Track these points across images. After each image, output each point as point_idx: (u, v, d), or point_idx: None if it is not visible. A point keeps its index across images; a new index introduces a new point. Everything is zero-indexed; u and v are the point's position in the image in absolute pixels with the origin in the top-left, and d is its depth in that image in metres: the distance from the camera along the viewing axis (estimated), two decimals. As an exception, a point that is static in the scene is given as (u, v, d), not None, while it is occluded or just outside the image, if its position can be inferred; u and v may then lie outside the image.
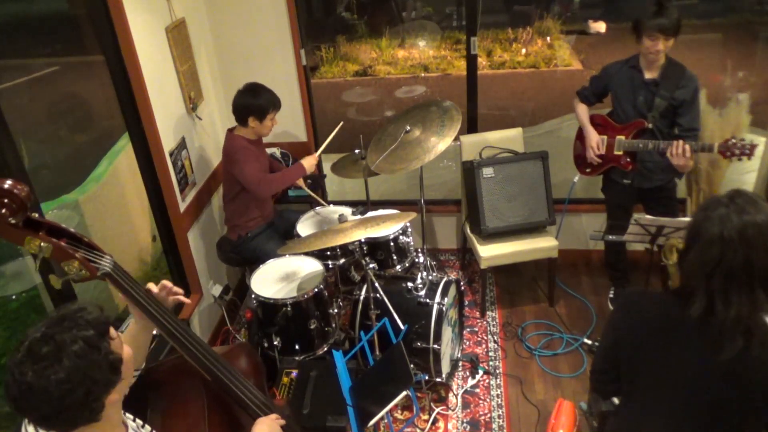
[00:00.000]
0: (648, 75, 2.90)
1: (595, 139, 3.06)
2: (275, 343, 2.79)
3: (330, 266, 3.16)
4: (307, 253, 3.07)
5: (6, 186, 1.38)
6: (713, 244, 1.41)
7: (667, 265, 2.64)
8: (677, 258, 1.60)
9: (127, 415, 1.47)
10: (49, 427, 1.21)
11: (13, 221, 1.41)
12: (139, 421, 1.51)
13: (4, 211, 1.39)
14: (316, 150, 3.27)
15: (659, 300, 1.63)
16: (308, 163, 3.23)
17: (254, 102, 3.04)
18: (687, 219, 2.69)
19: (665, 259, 2.61)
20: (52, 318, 1.22)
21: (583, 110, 3.18)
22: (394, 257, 3.25)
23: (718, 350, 1.42)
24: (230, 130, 3.19)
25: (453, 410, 2.96)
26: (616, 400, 2.03)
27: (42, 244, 1.45)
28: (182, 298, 1.75)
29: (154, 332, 1.76)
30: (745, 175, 3.57)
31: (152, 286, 1.65)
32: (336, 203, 3.69)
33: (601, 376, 1.76)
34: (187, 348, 1.68)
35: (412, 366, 2.25)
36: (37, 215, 1.48)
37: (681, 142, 2.76)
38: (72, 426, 1.21)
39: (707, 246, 1.42)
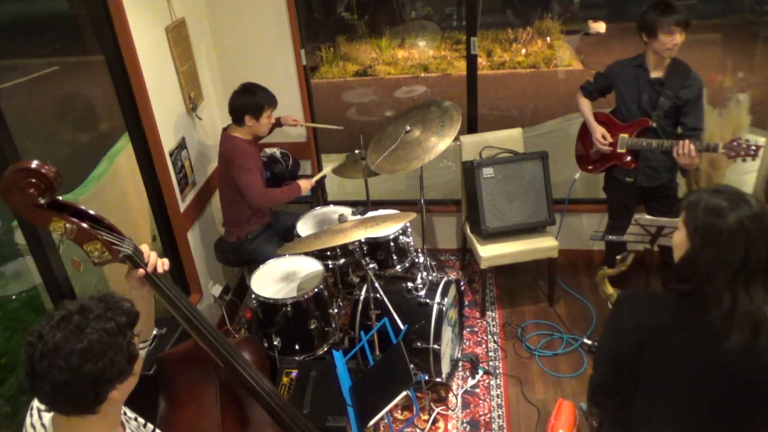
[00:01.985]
0: (654, 74, 2.91)
1: (599, 131, 3.07)
2: (275, 343, 2.79)
3: (330, 266, 3.16)
4: (307, 253, 3.06)
5: (33, 166, 1.37)
6: (738, 243, 1.40)
7: (608, 298, 2.53)
8: (681, 256, 1.55)
9: (128, 414, 1.47)
10: (53, 403, 1.24)
11: (41, 201, 1.40)
12: (141, 420, 1.51)
13: (32, 191, 1.37)
14: (314, 174, 3.33)
15: (658, 299, 1.62)
16: (304, 185, 3.23)
17: (251, 100, 3.04)
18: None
19: (602, 294, 2.53)
20: (92, 297, 1.27)
21: (586, 104, 3.19)
22: (394, 257, 3.25)
23: (723, 342, 1.42)
24: (225, 130, 3.17)
25: (453, 410, 2.96)
26: None
27: (67, 225, 1.44)
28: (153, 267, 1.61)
29: (156, 332, 1.75)
30: (745, 176, 3.57)
31: (145, 248, 1.61)
32: (336, 203, 3.69)
33: (604, 389, 1.67)
34: (202, 333, 1.69)
35: (412, 366, 2.25)
36: (61, 197, 1.48)
37: (686, 142, 2.75)
38: (73, 408, 1.23)
39: (731, 245, 1.41)
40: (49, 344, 1.18)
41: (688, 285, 1.50)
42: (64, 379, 1.18)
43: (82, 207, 1.50)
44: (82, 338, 1.19)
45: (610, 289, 2.49)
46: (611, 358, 1.63)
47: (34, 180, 1.37)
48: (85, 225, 1.46)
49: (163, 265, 1.62)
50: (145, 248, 1.61)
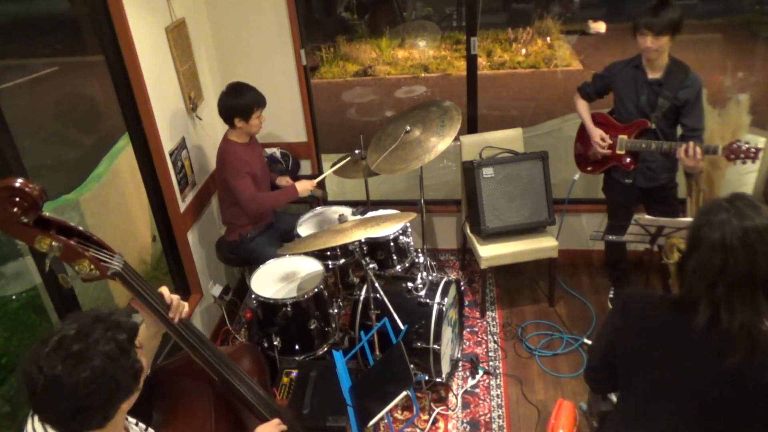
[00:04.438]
0: (651, 75, 2.90)
1: (597, 134, 3.07)
2: (275, 343, 2.78)
3: (330, 266, 3.16)
4: (307, 254, 3.07)
5: (17, 184, 1.36)
6: (715, 251, 1.38)
7: (668, 264, 2.60)
8: (678, 260, 1.56)
9: (129, 419, 1.47)
10: (60, 427, 1.20)
11: (24, 220, 1.39)
12: (142, 425, 1.51)
13: (16, 209, 1.37)
14: (318, 176, 3.29)
15: (659, 303, 1.61)
16: (302, 186, 3.20)
17: (238, 102, 3.02)
18: (687, 219, 2.69)
19: (666, 258, 2.58)
20: (86, 316, 1.23)
21: (583, 106, 3.18)
22: (394, 257, 3.25)
23: (721, 357, 1.40)
24: (225, 134, 3.18)
25: (453, 410, 2.96)
26: (614, 398, 2.02)
27: (53, 243, 1.43)
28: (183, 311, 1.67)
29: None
30: (745, 176, 3.56)
31: (165, 291, 1.60)
32: (336, 203, 3.69)
33: (595, 374, 1.76)
34: (195, 348, 1.68)
35: (412, 366, 2.25)
36: (48, 214, 1.47)
37: (693, 144, 2.72)
38: (81, 428, 1.20)
39: (709, 254, 1.39)
40: (50, 377, 1.13)
41: (680, 293, 1.50)
42: (71, 409, 1.15)
43: (71, 224, 1.49)
44: (84, 367, 1.15)
45: (676, 257, 2.51)
46: (604, 346, 1.69)
47: (17, 199, 1.36)
48: (72, 242, 1.45)
49: (181, 314, 1.60)
50: (165, 291, 1.59)
